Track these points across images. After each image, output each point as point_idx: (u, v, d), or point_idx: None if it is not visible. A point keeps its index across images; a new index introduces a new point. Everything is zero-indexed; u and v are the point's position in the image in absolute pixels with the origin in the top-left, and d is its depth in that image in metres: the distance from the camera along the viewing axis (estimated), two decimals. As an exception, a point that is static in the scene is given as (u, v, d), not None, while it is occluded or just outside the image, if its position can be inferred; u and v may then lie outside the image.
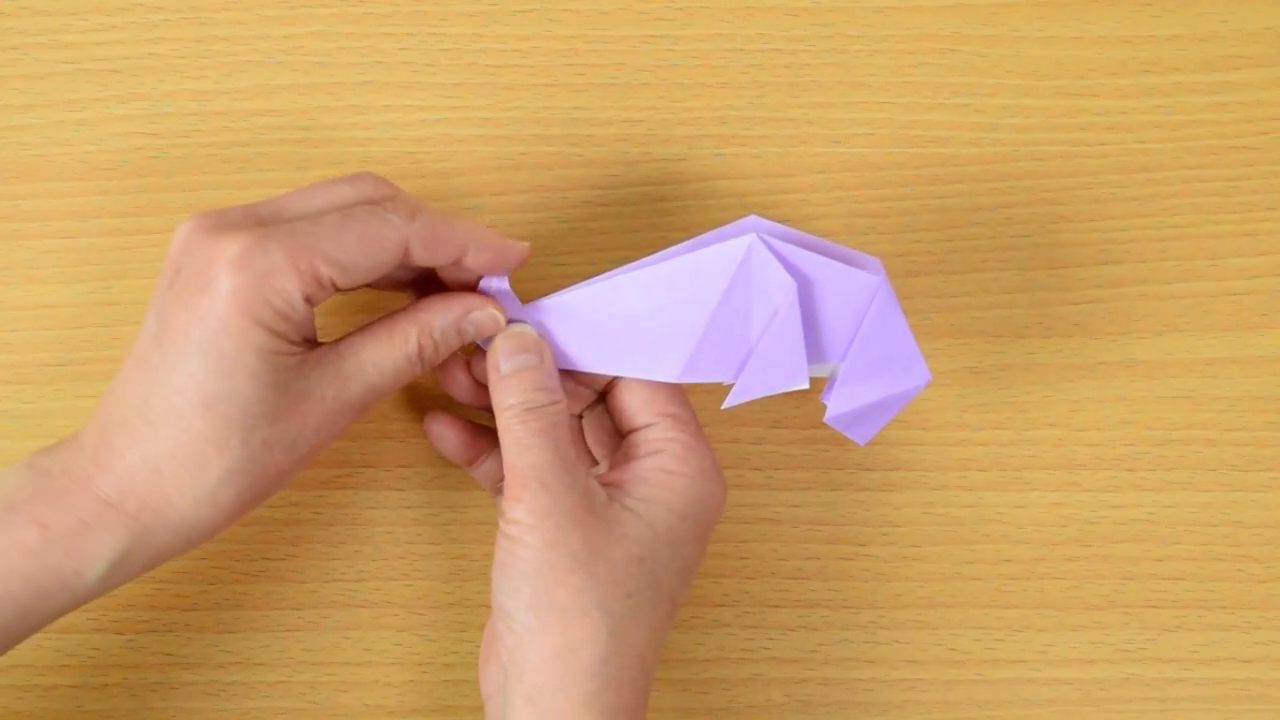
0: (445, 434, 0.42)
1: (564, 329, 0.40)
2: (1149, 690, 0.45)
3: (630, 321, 0.39)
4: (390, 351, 0.37)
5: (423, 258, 0.37)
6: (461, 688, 0.45)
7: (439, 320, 0.38)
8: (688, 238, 0.40)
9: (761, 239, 0.39)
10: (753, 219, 0.40)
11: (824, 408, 0.40)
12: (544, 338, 0.40)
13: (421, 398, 0.45)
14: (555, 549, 0.36)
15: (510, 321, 0.40)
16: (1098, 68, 0.47)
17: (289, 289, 0.35)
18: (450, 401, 0.44)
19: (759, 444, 0.46)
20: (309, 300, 0.35)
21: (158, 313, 0.36)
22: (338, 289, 0.36)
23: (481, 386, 0.41)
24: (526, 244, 0.40)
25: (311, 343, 0.37)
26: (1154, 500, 0.46)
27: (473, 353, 0.41)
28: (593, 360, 0.40)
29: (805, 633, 0.45)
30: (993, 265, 0.46)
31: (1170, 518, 0.46)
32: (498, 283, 0.40)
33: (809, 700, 0.45)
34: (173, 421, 0.35)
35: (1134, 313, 0.46)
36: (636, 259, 0.40)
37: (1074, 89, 0.47)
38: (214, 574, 0.45)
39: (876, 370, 0.40)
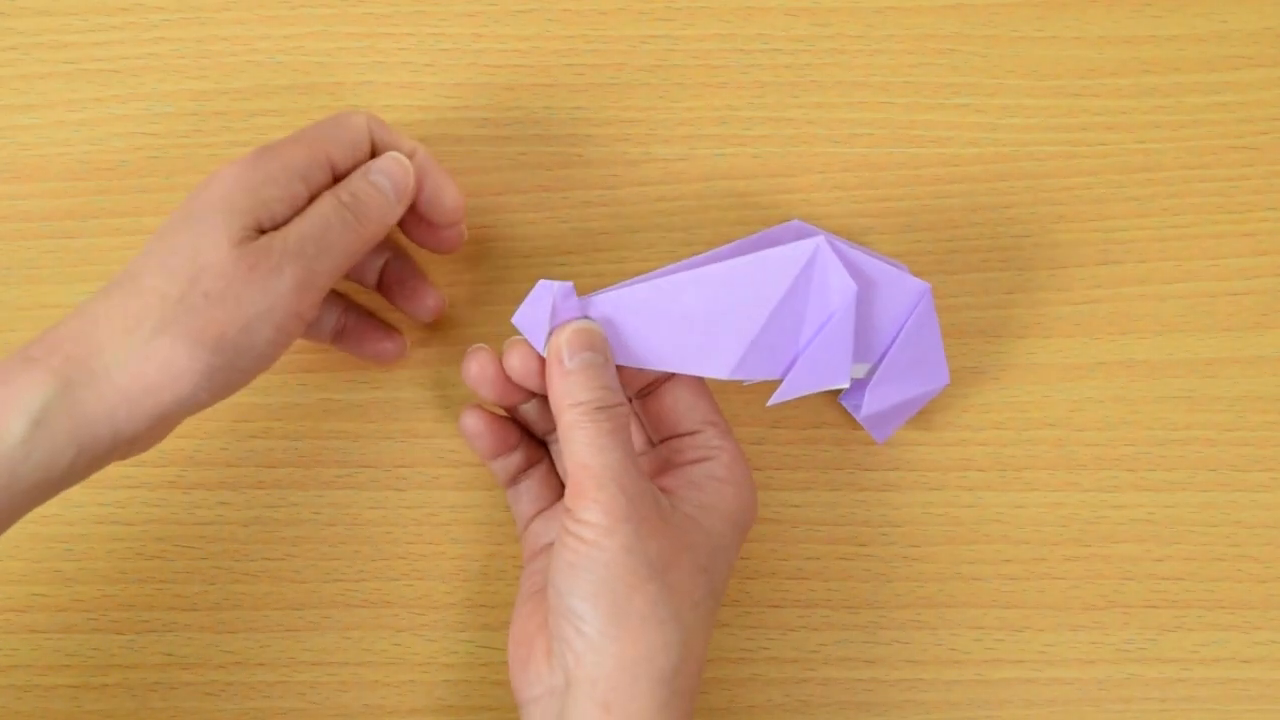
0: (480, 428, 0.42)
1: (618, 324, 0.39)
2: (1149, 690, 0.45)
3: (687, 319, 0.39)
4: (316, 203, 0.38)
5: (378, 134, 0.40)
6: (461, 688, 0.45)
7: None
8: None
9: (829, 241, 0.39)
10: (796, 223, 0.40)
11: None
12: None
13: (421, 399, 0.45)
14: (633, 555, 0.36)
15: (570, 319, 0.38)
16: (1098, 68, 0.47)
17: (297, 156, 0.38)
18: (457, 402, 0.44)
19: (759, 444, 0.46)
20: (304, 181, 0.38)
21: None
22: (335, 175, 0.38)
23: (509, 384, 0.40)
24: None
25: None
26: (1154, 500, 0.46)
27: (507, 349, 0.40)
28: (644, 356, 0.39)
29: (805, 633, 0.45)
30: (993, 265, 0.46)
31: (1170, 518, 0.45)
32: (557, 282, 0.38)
33: (809, 700, 0.45)
34: (126, 285, 0.36)
35: (1134, 313, 0.46)
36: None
37: (1074, 89, 0.47)
38: (214, 574, 0.45)
39: (910, 371, 0.41)
